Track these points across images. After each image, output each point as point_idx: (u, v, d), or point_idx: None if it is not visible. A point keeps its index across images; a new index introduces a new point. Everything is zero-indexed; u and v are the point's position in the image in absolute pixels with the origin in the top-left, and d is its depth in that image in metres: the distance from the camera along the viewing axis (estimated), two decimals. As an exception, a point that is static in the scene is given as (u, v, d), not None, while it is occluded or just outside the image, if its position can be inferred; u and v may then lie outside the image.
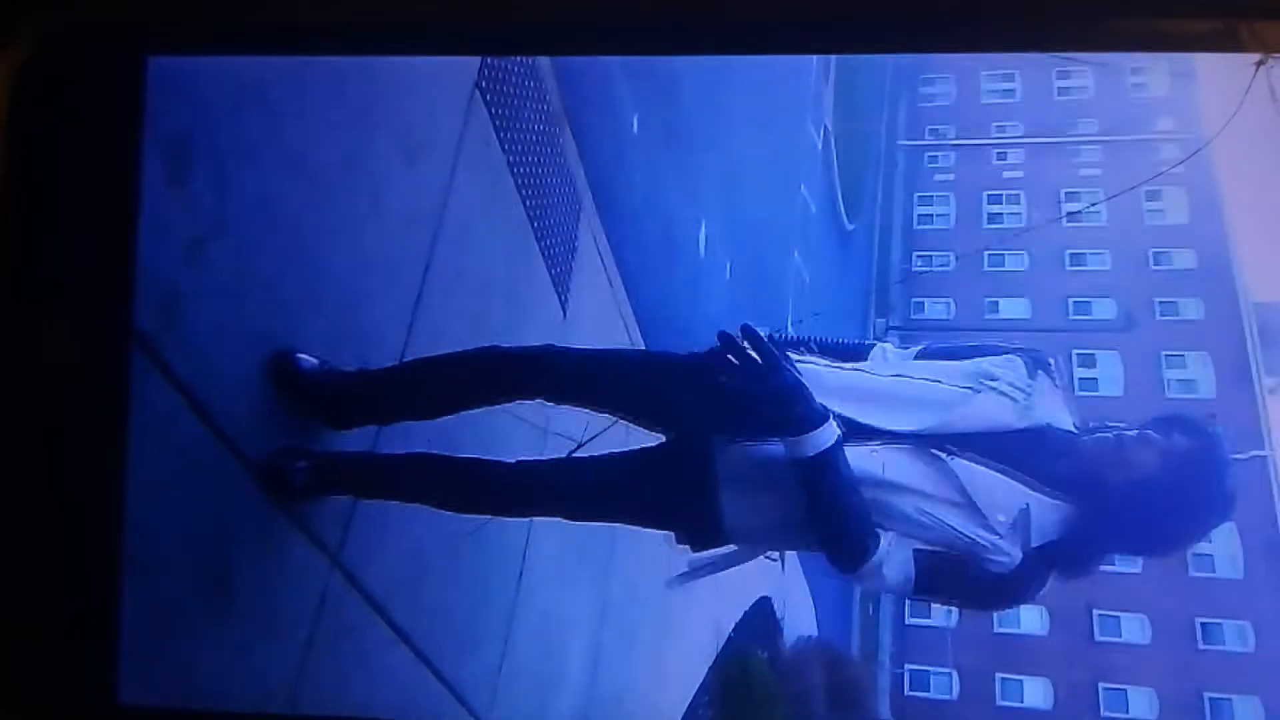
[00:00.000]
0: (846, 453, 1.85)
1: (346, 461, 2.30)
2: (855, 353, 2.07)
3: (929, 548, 1.88)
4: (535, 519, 3.70)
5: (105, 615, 1.25)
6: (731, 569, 2.12)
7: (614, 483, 2.06)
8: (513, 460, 2.15)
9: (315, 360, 2.25)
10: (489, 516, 2.30)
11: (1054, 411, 1.91)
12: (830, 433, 1.84)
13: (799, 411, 1.84)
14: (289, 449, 2.21)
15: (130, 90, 1.25)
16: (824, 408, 1.86)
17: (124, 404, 1.27)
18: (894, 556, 1.87)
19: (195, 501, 2.03)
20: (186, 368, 1.94)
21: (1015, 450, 1.85)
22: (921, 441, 1.86)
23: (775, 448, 1.91)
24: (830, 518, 1.89)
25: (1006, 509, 1.81)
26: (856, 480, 1.85)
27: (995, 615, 18.34)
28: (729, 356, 1.89)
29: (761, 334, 1.89)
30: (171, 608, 1.95)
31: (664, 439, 2.07)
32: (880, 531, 1.86)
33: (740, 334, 1.89)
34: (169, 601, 1.94)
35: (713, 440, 1.96)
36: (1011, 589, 1.87)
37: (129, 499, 1.79)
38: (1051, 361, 1.94)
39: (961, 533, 1.82)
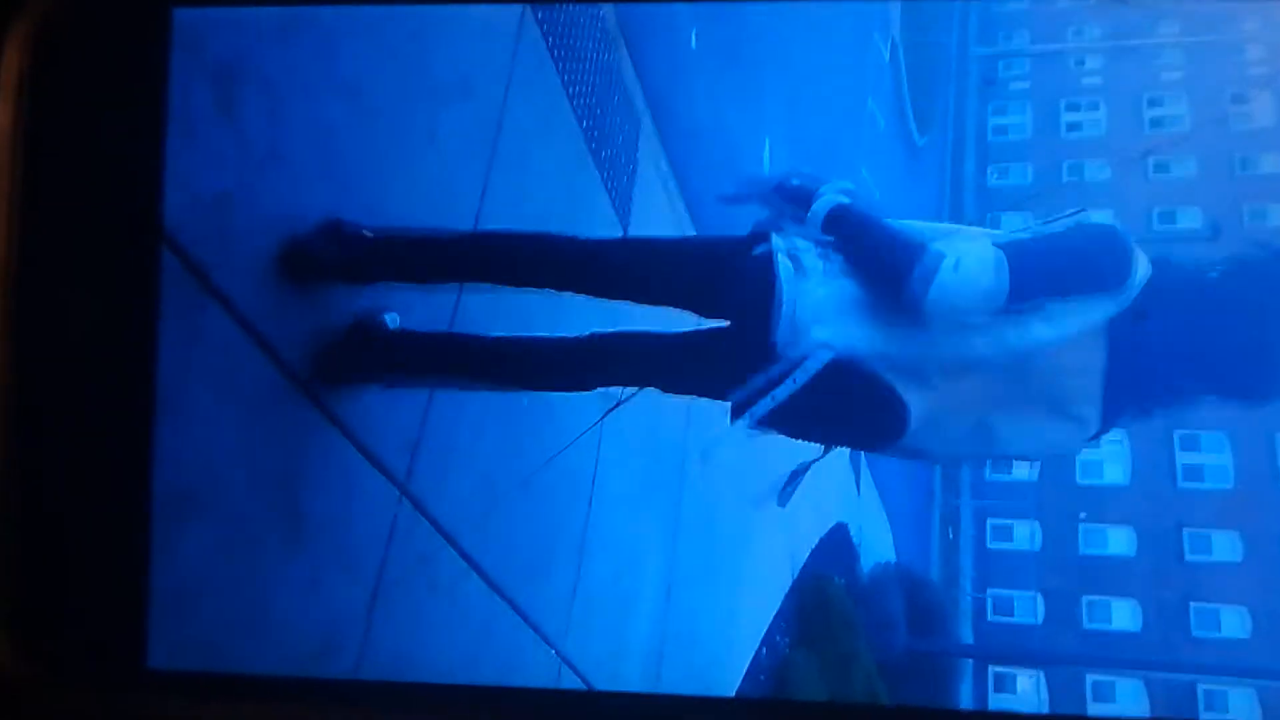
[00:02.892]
0: None
1: (419, 338, 2.24)
2: None
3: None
4: (603, 449, 3.70)
5: (137, 575, 1.23)
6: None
7: (679, 353, 2.02)
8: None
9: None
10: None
11: None
12: (829, 199, 1.85)
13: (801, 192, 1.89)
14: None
15: (156, 44, 1.19)
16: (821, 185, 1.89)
17: (154, 338, 1.23)
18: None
19: (260, 435, 2.01)
20: (246, 300, 1.91)
21: None
22: None
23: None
24: (867, 250, 1.85)
25: None
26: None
27: (1081, 537, 18.11)
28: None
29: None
30: (239, 544, 1.94)
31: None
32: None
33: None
34: (234, 539, 1.93)
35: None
36: None
37: (194, 435, 1.80)
38: None
39: None
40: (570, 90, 3.56)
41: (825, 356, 1.80)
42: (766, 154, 7.49)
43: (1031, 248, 1.80)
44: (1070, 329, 1.74)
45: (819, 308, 1.83)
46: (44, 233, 1.12)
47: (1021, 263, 1.75)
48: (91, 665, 1.16)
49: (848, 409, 1.86)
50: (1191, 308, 1.77)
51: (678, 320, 2.02)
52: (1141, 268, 1.74)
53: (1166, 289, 1.77)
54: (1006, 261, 1.74)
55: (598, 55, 3.94)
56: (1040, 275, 1.75)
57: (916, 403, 1.80)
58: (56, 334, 1.15)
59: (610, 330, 2.07)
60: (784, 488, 2.12)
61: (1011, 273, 1.73)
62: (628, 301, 2.04)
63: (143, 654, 1.21)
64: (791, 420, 1.89)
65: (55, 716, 1.13)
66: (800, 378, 1.81)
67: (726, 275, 1.95)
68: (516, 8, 3.17)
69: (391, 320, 2.20)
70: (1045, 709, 15.90)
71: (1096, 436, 1.87)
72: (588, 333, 2.07)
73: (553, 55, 3.40)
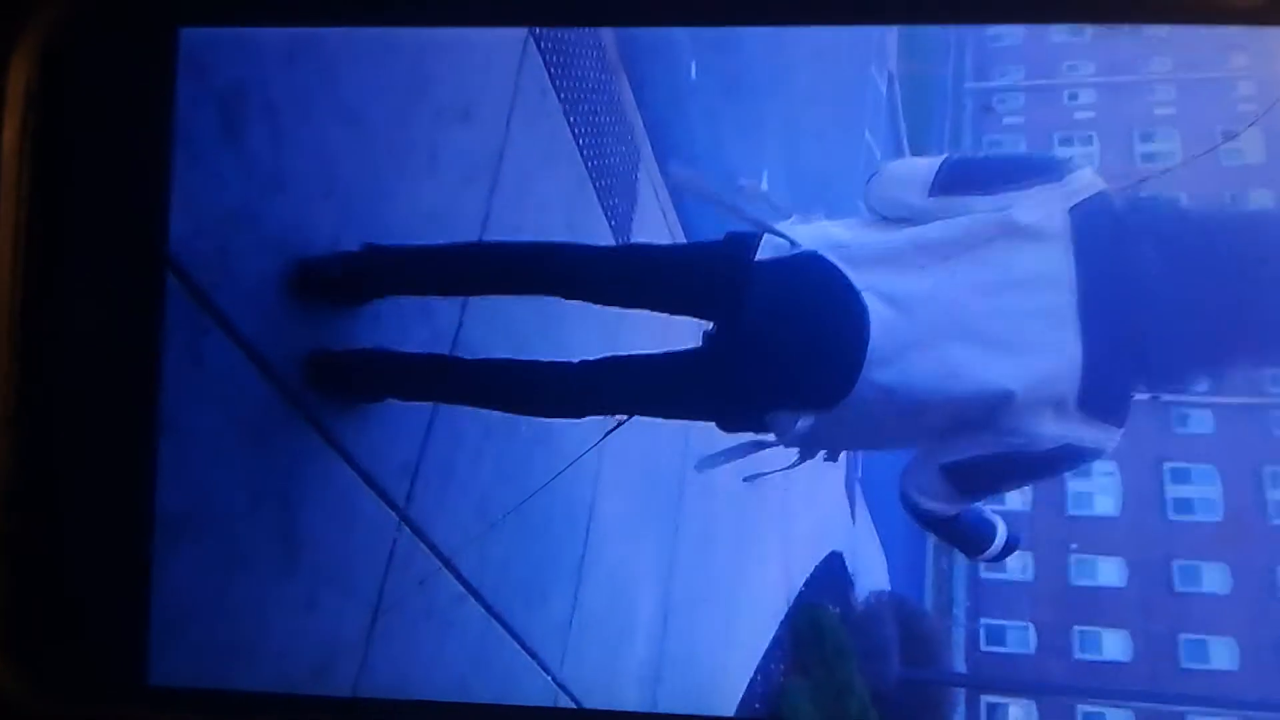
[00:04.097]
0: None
1: (415, 361, 2.25)
2: None
3: None
4: (601, 475, 3.70)
5: (137, 590, 1.22)
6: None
7: (666, 375, 2.03)
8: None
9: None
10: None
11: None
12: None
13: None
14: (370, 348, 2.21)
15: (162, 60, 1.19)
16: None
17: (157, 359, 1.23)
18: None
19: (260, 457, 2.01)
20: (248, 324, 1.91)
21: None
22: None
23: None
24: None
25: None
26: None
27: (1072, 568, 18.11)
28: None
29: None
30: (236, 567, 1.94)
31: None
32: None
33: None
34: (233, 561, 1.93)
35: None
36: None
37: (194, 456, 1.80)
38: None
39: None
40: (572, 119, 3.58)
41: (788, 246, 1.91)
42: (764, 184, 7.50)
43: (973, 154, 1.97)
44: (1019, 216, 1.76)
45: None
46: (48, 251, 1.12)
47: (956, 158, 1.89)
48: (93, 684, 1.15)
49: (805, 312, 1.87)
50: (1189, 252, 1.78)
51: (678, 341, 2.03)
52: (1089, 175, 1.80)
53: (1162, 225, 1.82)
54: (944, 157, 1.90)
55: (599, 85, 3.97)
56: (971, 167, 1.88)
57: (875, 308, 1.79)
58: (59, 353, 1.15)
59: (601, 356, 2.07)
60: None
61: (944, 163, 1.88)
62: (630, 308, 2.05)
63: (144, 672, 1.20)
64: (750, 335, 1.89)
65: None
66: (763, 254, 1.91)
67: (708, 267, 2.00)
68: (520, 38, 3.19)
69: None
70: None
71: (1097, 395, 1.74)
72: (578, 360, 2.07)
73: (555, 85, 3.42)
